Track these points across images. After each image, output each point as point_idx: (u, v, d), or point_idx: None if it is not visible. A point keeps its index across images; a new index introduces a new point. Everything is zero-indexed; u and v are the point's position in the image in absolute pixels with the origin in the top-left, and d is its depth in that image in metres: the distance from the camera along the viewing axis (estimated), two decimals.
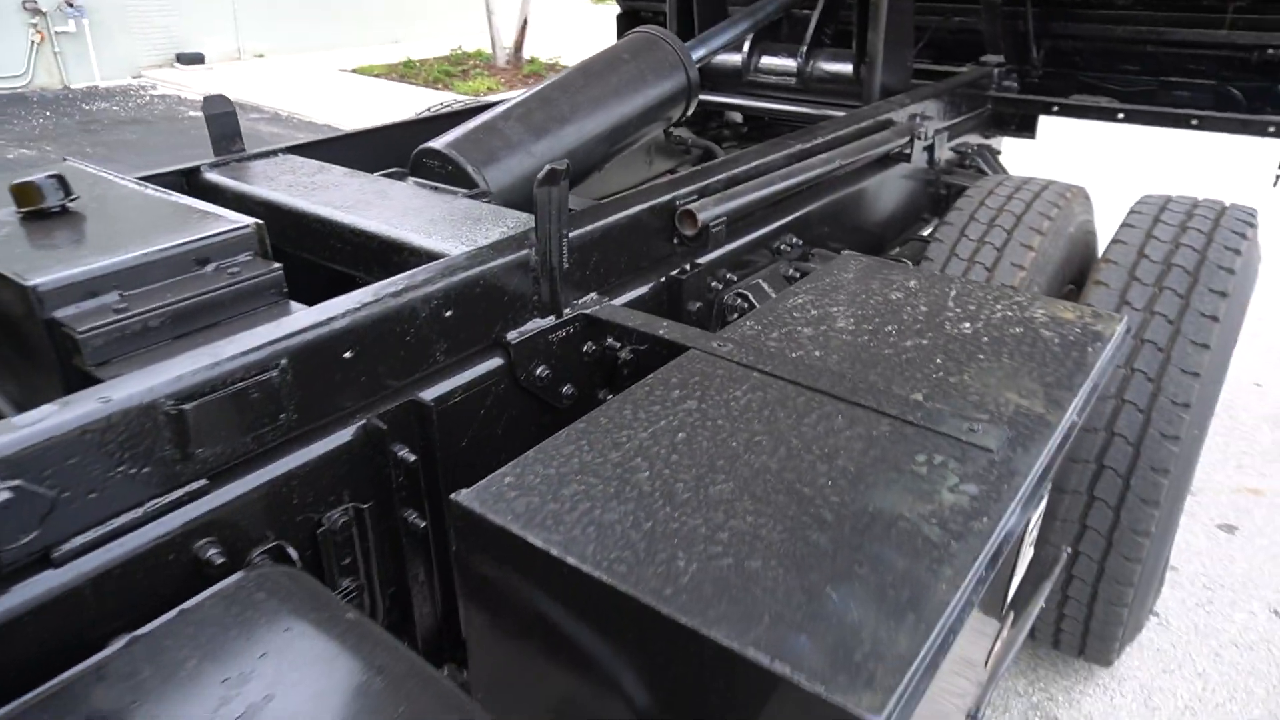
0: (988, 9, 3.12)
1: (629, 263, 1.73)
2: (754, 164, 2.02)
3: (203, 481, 1.07)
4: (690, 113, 2.51)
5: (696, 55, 2.59)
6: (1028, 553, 1.33)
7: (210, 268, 1.24)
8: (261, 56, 12.56)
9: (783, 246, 2.16)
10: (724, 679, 0.84)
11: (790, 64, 3.00)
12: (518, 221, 1.64)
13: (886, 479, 1.10)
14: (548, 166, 1.39)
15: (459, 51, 12.88)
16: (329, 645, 0.90)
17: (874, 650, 0.82)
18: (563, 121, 2.08)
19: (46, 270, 1.12)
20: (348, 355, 1.21)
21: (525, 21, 11.79)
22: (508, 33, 11.81)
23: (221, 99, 2.04)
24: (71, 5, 10.31)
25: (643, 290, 1.77)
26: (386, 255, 1.56)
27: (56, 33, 10.38)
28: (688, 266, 1.85)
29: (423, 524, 1.35)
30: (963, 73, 3.26)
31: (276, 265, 1.29)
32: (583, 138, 2.11)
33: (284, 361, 1.12)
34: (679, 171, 3.32)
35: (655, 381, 1.32)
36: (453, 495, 1.03)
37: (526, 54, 12.09)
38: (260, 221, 1.30)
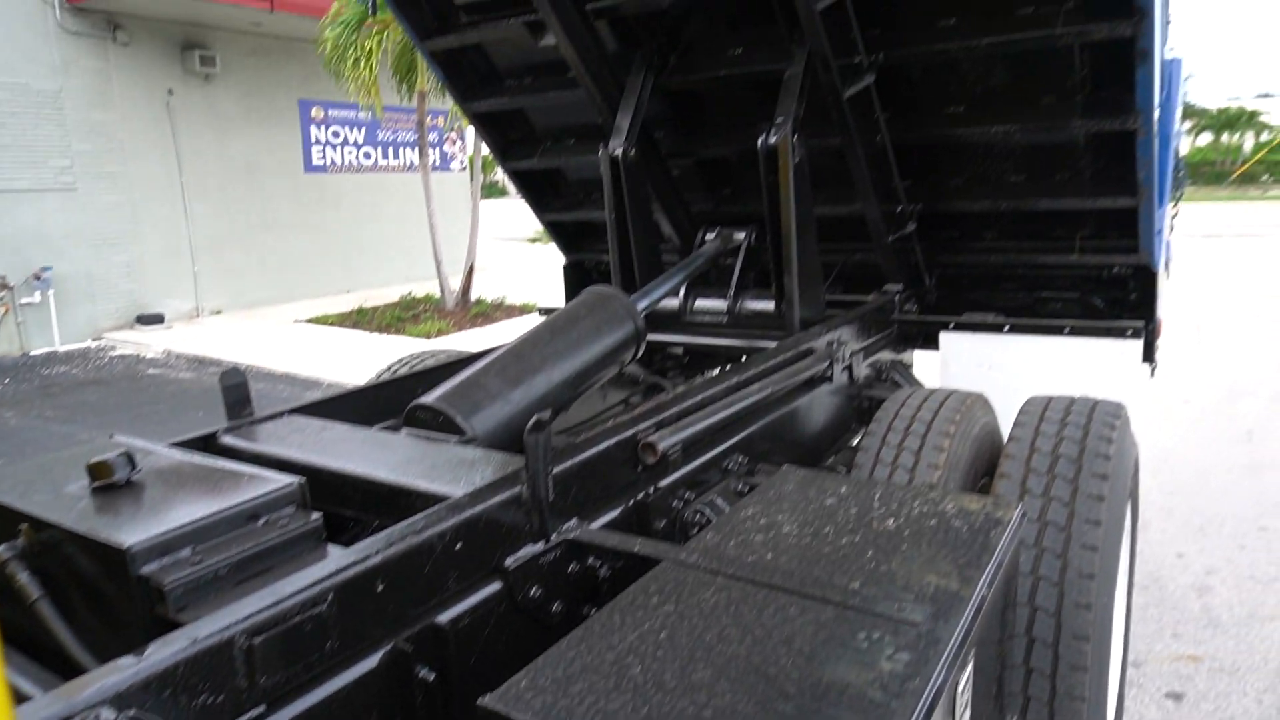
0: (881, 248, 3.69)
1: (602, 490, 2.01)
2: (700, 396, 2.38)
3: (262, 707, 1.26)
4: (639, 354, 2.91)
5: (641, 305, 3.04)
6: (964, 715, 1.54)
7: (261, 522, 1.49)
8: (219, 313, 13.15)
9: (731, 465, 2.48)
10: None
11: (721, 305, 3.48)
12: (506, 462, 1.93)
13: (836, 655, 1.35)
14: (536, 417, 1.70)
15: (409, 297, 13.67)
16: None
17: None
18: (533, 372, 2.44)
19: (134, 533, 1.35)
20: (380, 588, 1.44)
21: (472, 267, 12.70)
22: (456, 278, 12.67)
23: (235, 371, 2.35)
24: (39, 279, 10.84)
25: (615, 513, 2.04)
26: (396, 500, 1.82)
27: (21, 304, 10.83)
28: (651, 490, 2.14)
29: None
30: (869, 301, 3.78)
31: (316, 516, 1.55)
32: (551, 384, 2.46)
33: (331, 596, 1.35)
34: (631, 402, 3.70)
35: (637, 591, 1.57)
36: (480, 700, 1.25)
37: (474, 295, 12.91)
38: (302, 480, 1.57)
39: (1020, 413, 2.72)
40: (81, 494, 1.55)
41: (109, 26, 11.46)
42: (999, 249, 3.87)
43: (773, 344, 3.21)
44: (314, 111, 14.32)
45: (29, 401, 8.62)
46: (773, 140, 3.07)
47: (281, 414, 2.39)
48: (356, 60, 10.24)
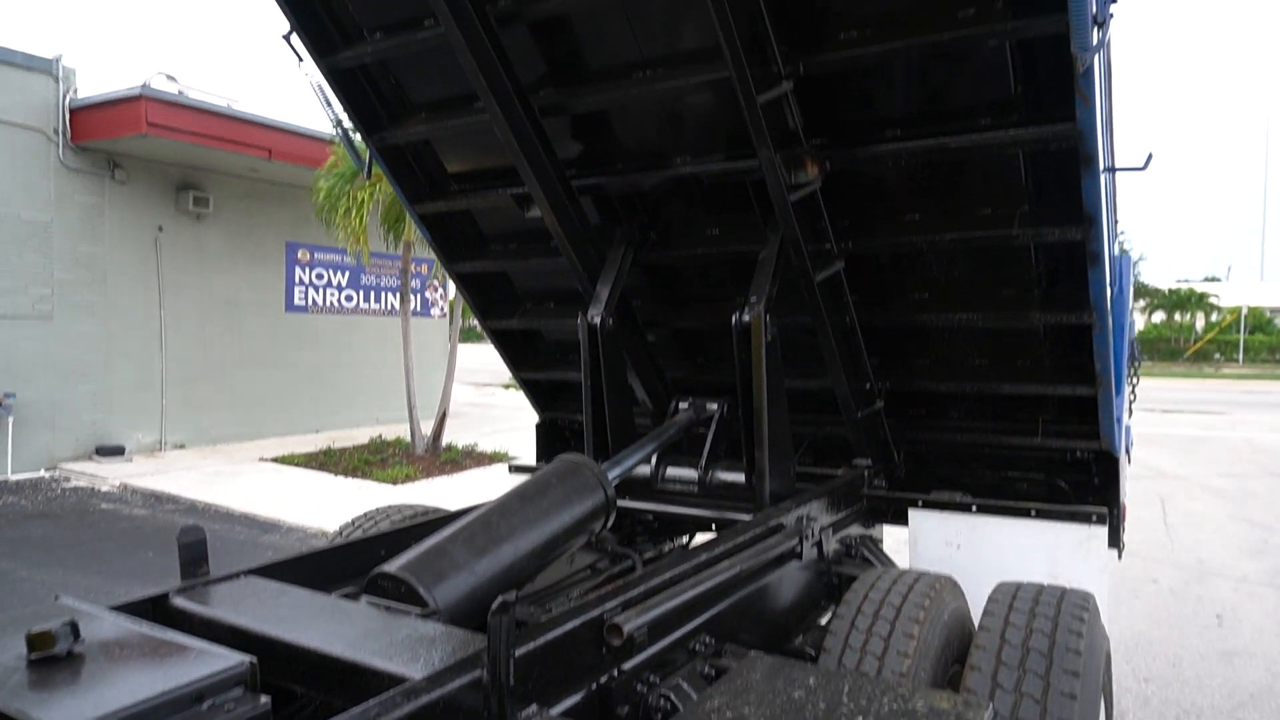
0: (850, 423, 3.76)
1: (564, 673, 1.94)
2: (668, 574, 2.34)
3: None
4: (609, 524, 2.89)
5: (612, 475, 3.04)
6: None
7: (206, 705, 1.42)
8: (182, 447, 12.91)
9: (698, 646, 2.41)
10: None
11: (692, 474, 3.50)
12: (466, 641, 1.87)
13: None
14: (501, 599, 1.67)
15: (379, 440, 13.54)
16: None
17: None
18: (501, 542, 2.40)
19: (64, 717, 1.28)
20: None
21: (445, 413, 12.68)
22: (428, 423, 12.62)
23: (195, 528, 2.30)
24: (1, 405, 10.66)
25: (577, 698, 1.97)
26: (352, 678, 1.74)
27: None
28: (615, 673, 2.07)
29: None
30: (838, 475, 3.81)
31: (265, 700, 1.47)
32: (518, 554, 2.42)
33: None
34: (598, 567, 3.62)
35: None
36: None
37: (445, 441, 12.82)
38: (254, 659, 1.50)
39: (990, 600, 2.71)
40: (18, 665, 1.47)
41: (109, 165, 11.83)
42: (965, 429, 3.96)
43: (743, 516, 3.20)
44: (300, 254, 14.65)
45: None
46: (746, 318, 3.18)
47: (238, 575, 2.32)
48: (348, 210, 10.59)
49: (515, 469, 4.78)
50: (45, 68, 11.22)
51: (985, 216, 3.26)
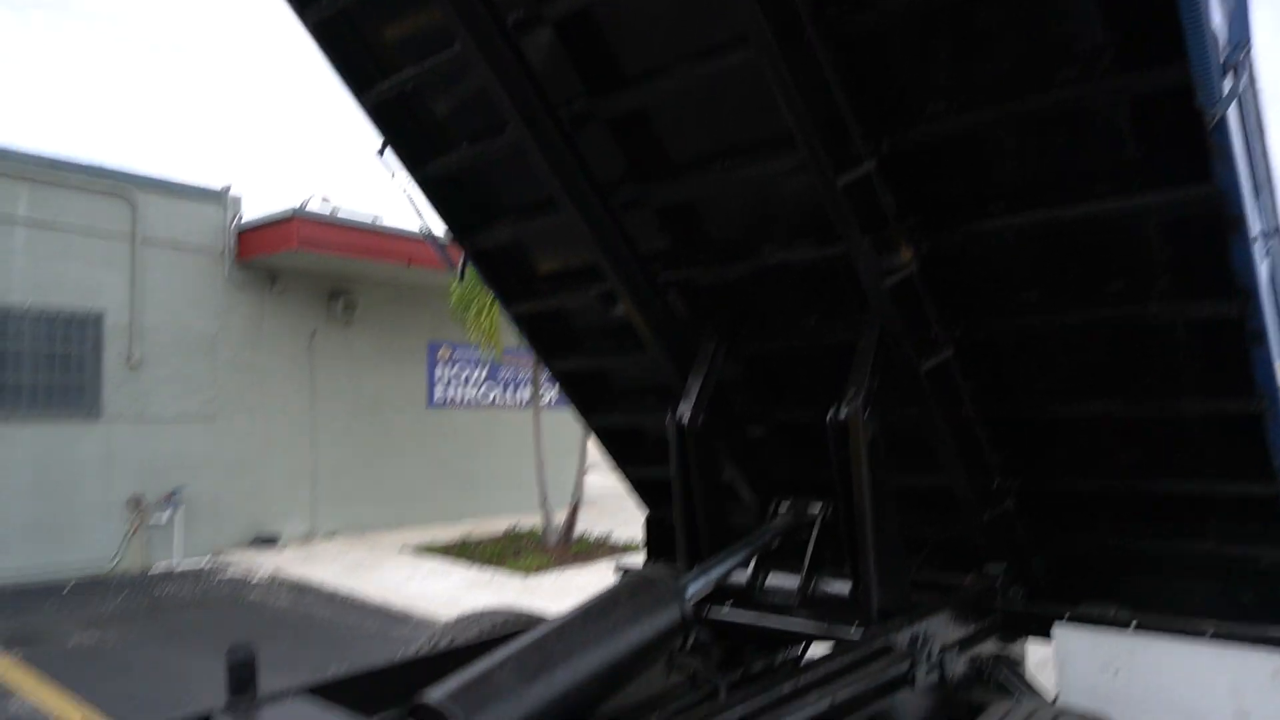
0: (975, 526, 3.35)
1: None
2: (754, 706, 2.07)
3: None
4: (688, 645, 2.63)
5: (693, 587, 2.79)
6: None
7: None
8: (332, 535, 13.47)
9: None
10: None
11: (792, 584, 3.18)
12: None
13: None
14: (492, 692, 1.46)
15: (514, 530, 13.66)
16: None
17: None
18: (555, 666, 2.20)
19: None
20: None
21: (576, 506, 12.66)
22: (562, 513, 12.63)
23: (244, 647, 2.22)
24: (170, 500, 11.49)
25: None
26: None
27: (151, 523, 11.43)
28: None
29: None
30: (964, 586, 3.39)
31: None
32: (576, 679, 2.21)
33: None
34: (698, 679, 3.30)
35: None
36: None
37: (578, 532, 12.77)
38: None
39: None
40: None
41: (269, 278, 12.85)
42: (1118, 530, 3.45)
43: (848, 630, 2.86)
44: (441, 352, 15.30)
45: (132, 621, 8.81)
46: (842, 416, 2.90)
47: (286, 695, 2.23)
48: (479, 311, 10.97)
49: (621, 569, 4.57)
50: (215, 198, 12.43)
51: (1116, 293, 2.87)
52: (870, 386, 2.97)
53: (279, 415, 12.99)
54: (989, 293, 3.07)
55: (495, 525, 14.27)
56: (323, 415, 13.49)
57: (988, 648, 3.32)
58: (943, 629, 3.00)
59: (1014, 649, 3.54)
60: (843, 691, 2.35)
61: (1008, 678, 3.22)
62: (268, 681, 2.24)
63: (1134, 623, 3.19)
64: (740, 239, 3.42)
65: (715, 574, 2.96)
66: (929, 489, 3.58)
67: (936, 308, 3.06)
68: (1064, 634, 3.29)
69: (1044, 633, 3.43)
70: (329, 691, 2.30)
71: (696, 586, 2.83)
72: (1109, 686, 3.17)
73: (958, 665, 3.04)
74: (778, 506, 3.51)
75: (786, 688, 2.25)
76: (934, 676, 2.86)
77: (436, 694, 2.07)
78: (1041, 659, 3.61)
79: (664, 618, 2.52)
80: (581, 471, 13.08)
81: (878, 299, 2.86)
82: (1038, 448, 3.40)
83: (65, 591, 10.11)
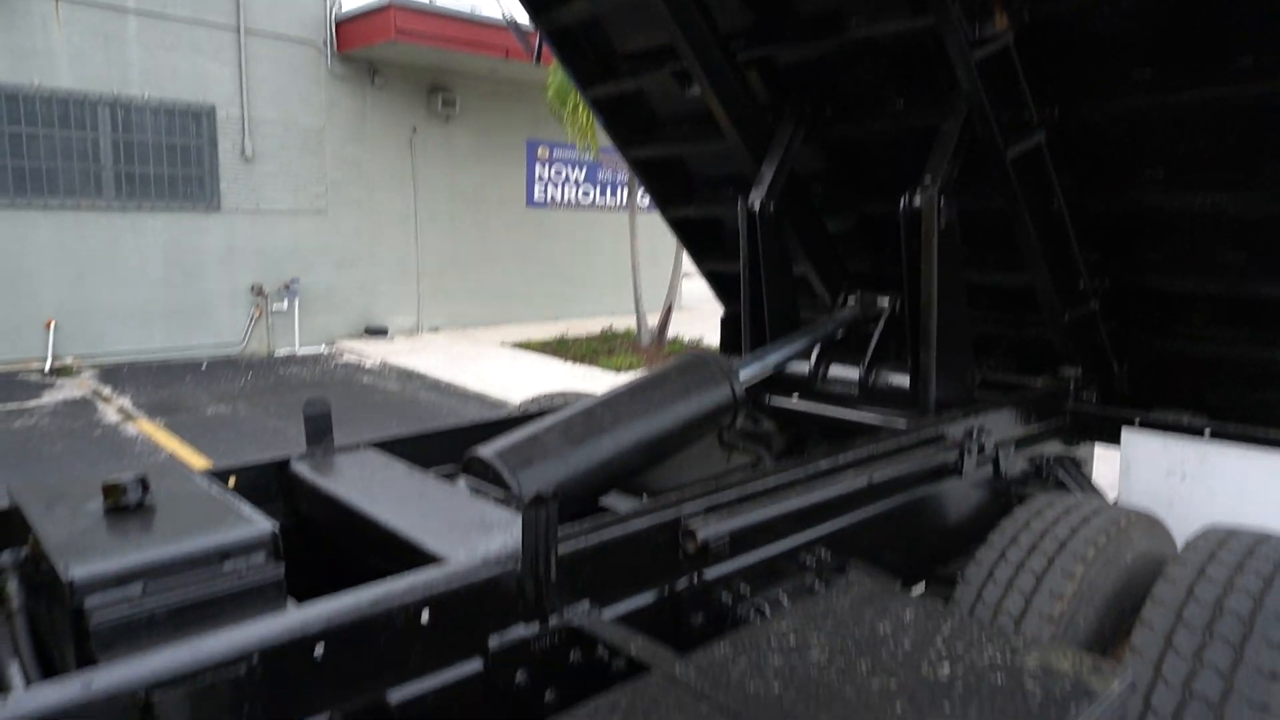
0: (1055, 327, 3.22)
1: (628, 574, 1.83)
2: (770, 482, 2.13)
3: None
4: (738, 423, 2.69)
5: (747, 371, 2.82)
6: None
7: (226, 565, 1.45)
8: (436, 330, 14.15)
9: (809, 560, 2.20)
10: None
11: (854, 375, 3.17)
12: (499, 543, 1.79)
13: None
14: (538, 492, 1.57)
15: (609, 330, 14.02)
16: None
17: None
18: (601, 433, 2.30)
19: (86, 563, 1.36)
20: (320, 654, 1.36)
21: (670, 307, 12.80)
22: (655, 315, 12.83)
23: (321, 401, 2.41)
24: (288, 289, 12.21)
25: (644, 601, 1.85)
26: (402, 554, 1.74)
27: (272, 310, 12.23)
28: (695, 579, 1.93)
29: None
30: (1033, 386, 3.31)
31: (279, 567, 1.49)
32: (619, 448, 2.31)
33: (255, 659, 1.28)
34: (763, 461, 3.41)
35: (599, 705, 1.38)
36: None
37: (671, 334, 13.00)
38: (275, 528, 1.52)
39: (1187, 546, 2.22)
40: (93, 514, 1.59)
41: (369, 72, 12.81)
42: (1209, 337, 3.25)
43: (902, 420, 2.87)
44: (540, 151, 15.18)
45: (260, 395, 9.66)
46: (916, 203, 2.76)
47: (357, 447, 2.42)
48: (575, 106, 10.70)
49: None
50: None
51: (1244, 69, 2.55)
52: (949, 173, 2.79)
53: (384, 212, 13.36)
54: (1094, 69, 2.77)
55: (591, 326, 14.66)
56: (425, 213, 13.80)
57: (1051, 448, 3.28)
58: (1003, 425, 2.97)
59: (1079, 451, 3.49)
60: (882, 471, 2.38)
61: (1067, 477, 3.20)
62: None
63: (1207, 430, 3.08)
64: (825, 12, 3.15)
65: (772, 359, 2.98)
66: (1008, 287, 3.43)
67: (1031, 86, 2.79)
68: (1133, 438, 3.21)
69: (1113, 438, 3.36)
70: (393, 446, 2.49)
71: (751, 370, 2.86)
72: (1172, 491, 3.12)
73: (1015, 461, 3.02)
74: (846, 299, 3.45)
75: (824, 463, 2.30)
76: (986, 470, 2.86)
77: (487, 450, 2.21)
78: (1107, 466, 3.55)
79: (713, 395, 2.57)
80: (677, 274, 13.12)
81: (966, 74, 2.62)
82: (1132, 245, 3.18)
83: (202, 369, 11.11)
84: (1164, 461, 3.14)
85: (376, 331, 13.31)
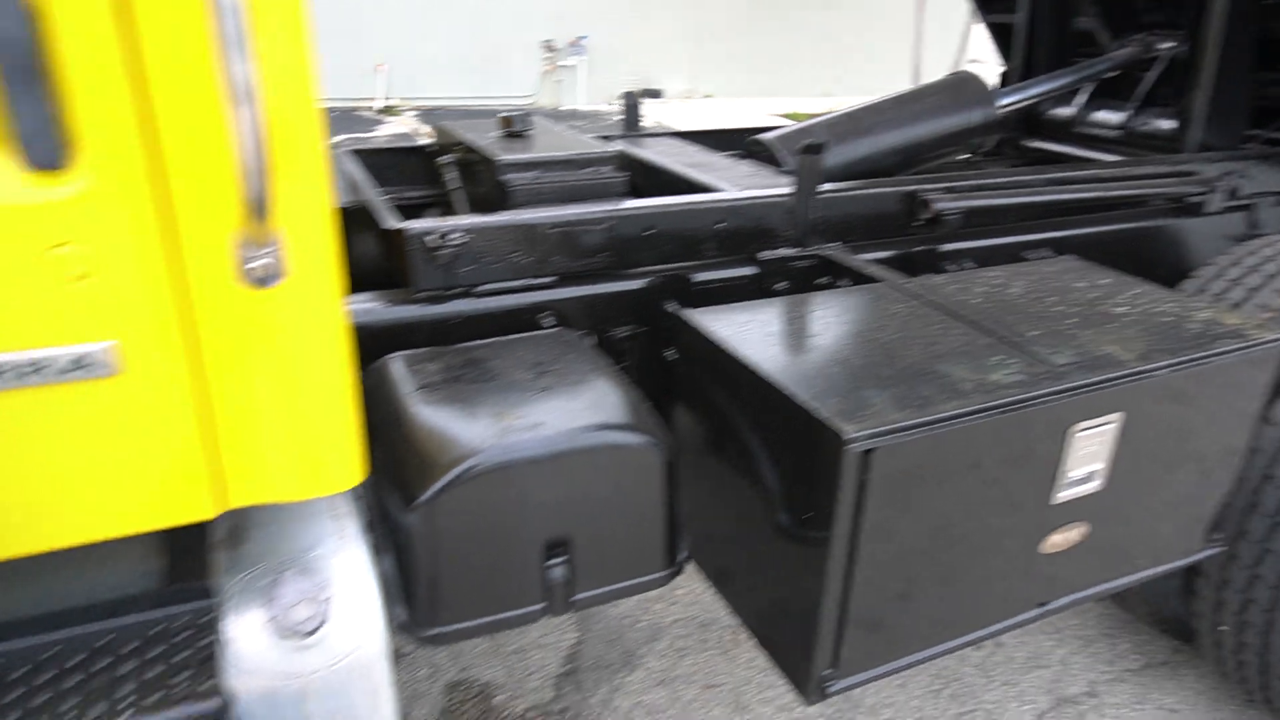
0: None
1: (871, 229, 2.30)
2: (1009, 177, 2.46)
3: (552, 279, 1.92)
4: (989, 145, 2.95)
5: (1008, 99, 3.02)
6: (1081, 466, 1.66)
7: (587, 170, 2.10)
8: (709, 96, 14.45)
9: (1031, 256, 2.54)
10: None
11: (1118, 118, 3.26)
12: (781, 185, 2.30)
13: (958, 360, 1.61)
14: (810, 140, 2.05)
15: None
16: (586, 366, 1.68)
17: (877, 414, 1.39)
18: (862, 133, 2.69)
19: (509, 154, 2.06)
20: (648, 233, 1.99)
21: None
22: None
23: (633, 94, 3.00)
24: (576, 45, 12.94)
25: (882, 255, 2.33)
26: (691, 189, 2.32)
27: (560, 65, 13.08)
28: (929, 248, 2.36)
29: (674, 356, 2.07)
30: None
31: (625, 173, 2.12)
32: (876, 149, 2.70)
33: (612, 222, 1.94)
34: None
35: (843, 291, 1.93)
36: (673, 309, 1.76)
37: None
38: (620, 150, 2.14)
39: None
40: (497, 134, 2.31)
41: None
42: None
43: (1157, 159, 2.99)
44: None
45: None
46: None
47: (662, 134, 3.01)
48: None
49: None
50: None
51: None
52: None
53: None
54: None
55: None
56: None
57: None
58: (1266, 178, 2.97)
59: None
60: (1116, 188, 2.59)
61: None
62: None
63: None
64: None
65: (1033, 91, 3.13)
66: None
67: None
68: None
69: None
70: (691, 136, 3.05)
71: (1011, 97, 3.06)
72: None
73: (1271, 214, 3.04)
74: (1125, 41, 3.43)
75: (1064, 171, 2.57)
76: (1237, 222, 2.92)
77: (766, 136, 2.70)
78: None
79: (969, 115, 2.85)
80: (964, 51, 12.30)
81: None
82: None
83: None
84: None
85: (651, 93, 13.86)
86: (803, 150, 2.06)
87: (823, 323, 1.80)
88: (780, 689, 2.57)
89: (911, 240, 2.37)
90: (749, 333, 1.70)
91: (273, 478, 1.09)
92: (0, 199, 0.85)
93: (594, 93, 13.51)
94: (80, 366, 0.92)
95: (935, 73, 10.80)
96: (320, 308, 1.04)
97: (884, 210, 2.31)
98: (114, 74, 0.84)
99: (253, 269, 0.95)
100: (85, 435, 0.98)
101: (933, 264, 2.38)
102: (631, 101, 2.97)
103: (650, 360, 2.04)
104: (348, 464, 1.17)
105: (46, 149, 0.84)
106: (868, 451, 1.35)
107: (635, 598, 2.94)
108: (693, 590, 2.96)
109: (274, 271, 0.96)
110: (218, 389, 1.00)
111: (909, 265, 2.36)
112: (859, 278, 2.10)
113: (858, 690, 2.55)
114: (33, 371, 0.91)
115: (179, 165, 0.89)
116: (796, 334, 1.73)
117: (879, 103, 2.84)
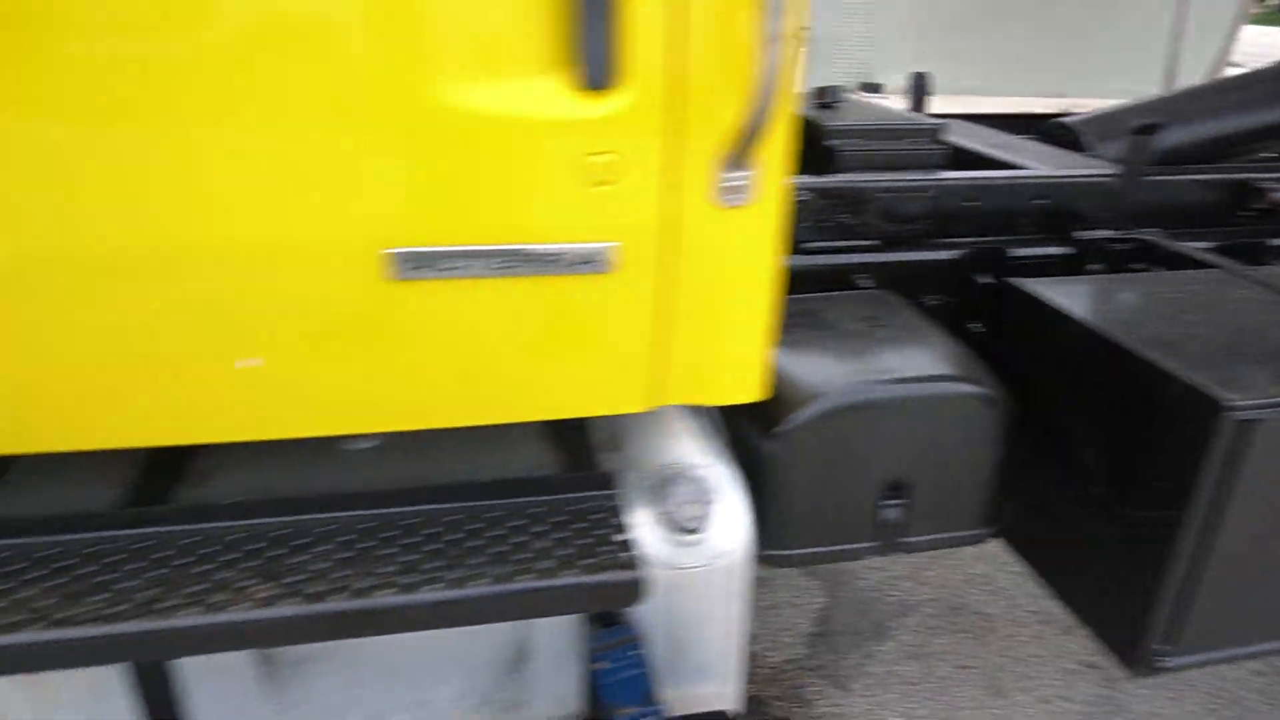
0: None
1: (1192, 216, 2.20)
2: None
3: (875, 241, 1.99)
4: None
5: None
6: None
7: (909, 140, 2.15)
8: (929, 94, 13.97)
9: None
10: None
11: None
12: (1101, 166, 2.24)
13: None
14: (1141, 121, 2.01)
15: None
16: (918, 322, 1.73)
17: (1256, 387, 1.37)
18: (1178, 116, 2.55)
19: (834, 121, 2.14)
20: (966, 206, 2.02)
21: None
22: None
23: (921, 75, 3.00)
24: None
25: (1208, 245, 2.22)
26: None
27: None
28: (1265, 241, 2.23)
29: (980, 327, 2.08)
30: None
31: (944, 146, 2.15)
32: (1187, 138, 2.53)
33: (936, 191, 1.98)
34: None
35: (1183, 273, 1.89)
36: (1013, 281, 1.79)
37: None
38: (942, 123, 2.17)
39: None
40: (812, 104, 2.40)
41: None
42: None
43: None
44: None
45: None
46: None
47: (955, 117, 3.01)
48: None
49: None
50: None
51: None
52: None
53: None
54: None
55: (1094, 105, 13.33)
56: None
57: None
58: None
59: None
60: None
61: None
62: None
63: None
64: None
65: None
66: None
67: None
68: None
69: None
70: (981, 119, 3.03)
71: None
72: None
73: None
74: None
75: None
76: None
77: (1074, 119, 2.63)
78: None
79: None
80: (1224, 54, 11.20)
81: None
82: None
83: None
84: None
85: (870, 87, 13.58)
86: (1134, 130, 2.01)
87: (1165, 301, 1.76)
88: (1039, 680, 2.52)
89: (1237, 230, 2.25)
90: (1094, 305, 1.70)
91: (706, 382, 1.23)
92: (556, 113, 1.02)
93: (814, 82, 13.41)
94: (587, 261, 1.08)
95: (1191, 77, 9.91)
96: (771, 234, 1.16)
97: (1211, 198, 2.22)
98: (664, 11, 0.99)
99: (730, 190, 1.08)
100: (566, 325, 1.15)
101: (1257, 257, 2.25)
102: (919, 81, 2.98)
103: (954, 332, 2.07)
104: (762, 376, 1.30)
105: (599, 72, 1.00)
106: (1247, 421, 1.33)
107: (881, 574, 2.98)
108: (942, 573, 2.95)
109: (745, 196, 1.09)
110: (683, 296, 1.14)
111: (1232, 257, 2.25)
112: (1184, 265, 2.03)
113: (1126, 697, 2.47)
114: (550, 262, 1.08)
115: (699, 93, 1.03)
116: (1143, 309, 1.71)
117: (1196, 88, 2.69)
